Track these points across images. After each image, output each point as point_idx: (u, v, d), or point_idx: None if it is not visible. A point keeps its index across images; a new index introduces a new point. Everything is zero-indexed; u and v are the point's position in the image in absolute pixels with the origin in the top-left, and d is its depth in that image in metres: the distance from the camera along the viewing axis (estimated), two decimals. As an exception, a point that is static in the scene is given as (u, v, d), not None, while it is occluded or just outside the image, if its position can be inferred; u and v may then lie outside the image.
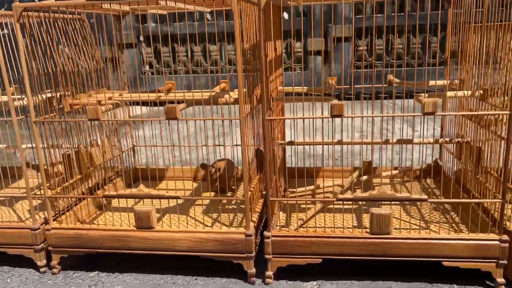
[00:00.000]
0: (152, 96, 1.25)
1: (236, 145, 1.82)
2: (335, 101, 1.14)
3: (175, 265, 1.36)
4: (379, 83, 1.51)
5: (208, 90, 1.40)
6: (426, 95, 1.16)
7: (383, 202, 1.46)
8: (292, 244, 1.21)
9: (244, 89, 1.31)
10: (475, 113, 1.25)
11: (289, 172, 1.75)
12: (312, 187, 1.60)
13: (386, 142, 1.37)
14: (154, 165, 2.16)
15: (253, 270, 1.25)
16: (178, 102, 1.25)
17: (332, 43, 3.00)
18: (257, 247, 1.38)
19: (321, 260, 1.22)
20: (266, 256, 1.24)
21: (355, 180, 1.61)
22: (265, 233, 1.23)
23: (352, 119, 1.13)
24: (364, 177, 1.61)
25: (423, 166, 1.68)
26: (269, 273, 1.25)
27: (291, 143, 1.45)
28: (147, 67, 3.32)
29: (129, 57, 3.29)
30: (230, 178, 1.62)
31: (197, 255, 1.26)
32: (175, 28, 3.15)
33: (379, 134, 2.57)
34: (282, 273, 1.28)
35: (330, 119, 1.15)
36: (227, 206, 1.51)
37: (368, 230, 1.20)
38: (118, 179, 1.70)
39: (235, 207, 1.48)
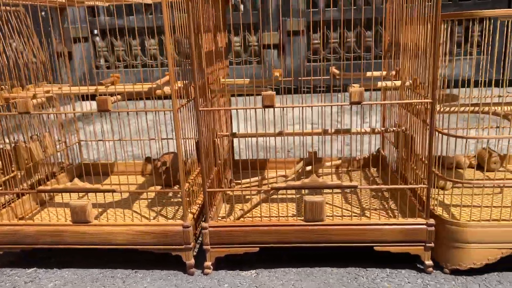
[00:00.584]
0: (83, 89, 1.23)
1: (184, 138, 1.82)
2: (267, 92, 1.16)
3: (114, 259, 1.36)
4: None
5: (152, 83, 1.40)
6: (356, 85, 1.19)
7: (324, 190, 1.49)
8: (229, 234, 1.23)
9: (184, 82, 1.31)
10: (400, 101, 1.29)
11: (240, 164, 1.77)
12: (257, 178, 1.62)
13: (325, 132, 1.40)
14: (102, 160, 2.13)
15: (192, 261, 1.26)
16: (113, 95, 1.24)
17: (286, 37, 3.03)
18: (199, 239, 1.39)
19: (258, 248, 1.24)
20: (204, 247, 1.25)
21: (299, 170, 1.64)
22: (203, 224, 1.23)
23: (303, 111, 1.16)
24: (309, 167, 1.64)
25: (366, 156, 1.73)
26: (208, 263, 1.26)
27: (233, 135, 1.46)
28: (101, 61, 3.26)
29: (83, 51, 3.22)
30: (176, 172, 1.62)
31: (136, 248, 1.26)
32: (130, 21, 3.11)
33: (329, 126, 2.61)
34: (221, 263, 1.29)
35: (285, 113, 1.17)
36: (172, 200, 1.51)
37: (303, 217, 1.23)
38: (63, 174, 1.67)
39: (180, 200, 1.48)
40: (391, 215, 1.30)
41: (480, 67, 1.15)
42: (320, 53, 3.06)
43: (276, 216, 1.29)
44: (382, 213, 1.31)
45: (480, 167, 1.59)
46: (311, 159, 1.74)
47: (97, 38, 3.22)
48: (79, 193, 1.54)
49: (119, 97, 1.24)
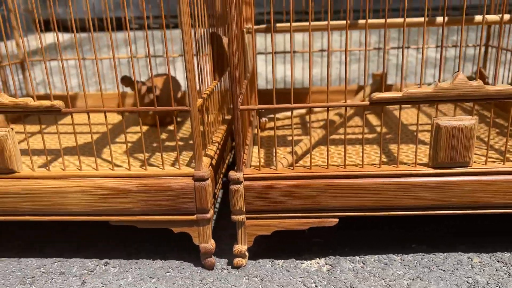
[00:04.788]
0: None
1: (180, 55, 1.20)
2: None
3: (65, 242, 0.76)
4: None
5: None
6: None
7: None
8: (282, 193, 0.64)
9: None
10: None
11: (263, 96, 1.18)
12: (302, 111, 1.03)
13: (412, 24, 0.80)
14: (55, 89, 1.46)
15: (210, 244, 0.67)
16: None
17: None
18: (215, 203, 0.81)
19: (337, 220, 0.66)
20: (235, 218, 0.66)
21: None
22: (232, 174, 0.64)
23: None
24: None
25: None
26: (241, 247, 0.67)
27: (267, 28, 0.85)
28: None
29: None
30: (170, 100, 1.01)
31: (103, 220, 0.67)
32: None
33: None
34: (263, 248, 0.71)
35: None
36: (167, 143, 0.90)
37: (425, 162, 0.65)
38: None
39: (181, 143, 0.88)
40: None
41: None
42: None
43: (368, 164, 0.70)
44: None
45: None
46: (377, 85, 1.15)
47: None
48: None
49: None
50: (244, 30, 0.83)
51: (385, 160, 0.73)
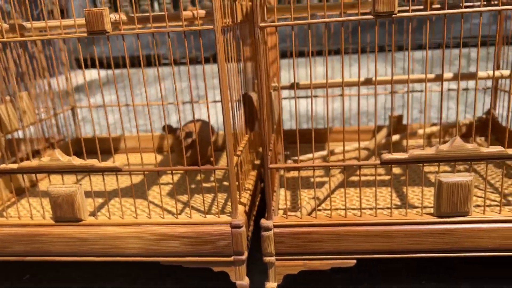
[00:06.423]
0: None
1: (214, 101, 1.34)
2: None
3: (122, 277, 0.89)
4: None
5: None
6: None
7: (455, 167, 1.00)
8: (307, 239, 0.75)
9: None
10: None
11: (286, 136, 1.29)
12: (323, 153, 1.14)
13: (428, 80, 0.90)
14: (104, 133, 1.62)
15: (245, 282, 0.79)
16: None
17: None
18: (248, 245, 0.92)
19: (355, 261, 0.76)
20: (267, 259, 0.77)
21: (383, 141, 1.15)
22: (263, 222, 0.76)
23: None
24: (395, 137, 1.15)
25: (472, 120, 1.23)
26: (272, 284, 0.78)
27: (296, 85, 0.97)
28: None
29: None
30: (207, 146, 1.14)
31: (155, 260, 0.79)
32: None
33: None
34: (290, 282, 0.82)
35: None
36: (204, 184, 1.03)
37: (431, 211, 0.75)
38: (52, 152, 1.20)
39: (213, 184, 1.00)
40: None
41: None
42: None
43: (384, 208, 0.80)
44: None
45: None
46: (394, 126, 1.25)
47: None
48: (63, 177, 1.07)
49: (123, 17, 0.75)
50: (271, 90, 0.95)
51: (398, 203, 0.83)
